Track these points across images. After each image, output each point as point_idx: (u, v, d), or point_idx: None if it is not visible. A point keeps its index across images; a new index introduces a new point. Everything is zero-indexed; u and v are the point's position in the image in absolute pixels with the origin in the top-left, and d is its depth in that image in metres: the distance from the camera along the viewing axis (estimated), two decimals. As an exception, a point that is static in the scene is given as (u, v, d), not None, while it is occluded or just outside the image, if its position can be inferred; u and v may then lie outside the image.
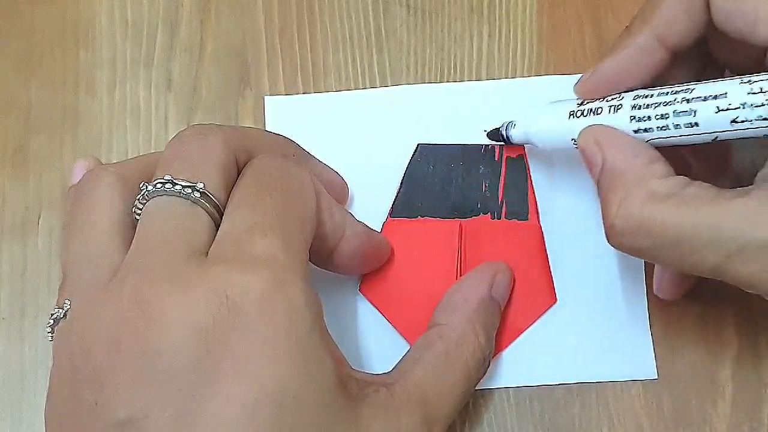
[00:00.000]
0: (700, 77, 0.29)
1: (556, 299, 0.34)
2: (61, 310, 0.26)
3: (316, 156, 0.33)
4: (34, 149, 0.37)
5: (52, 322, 0.26)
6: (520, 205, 0.35)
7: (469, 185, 0.35)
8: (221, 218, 0.26)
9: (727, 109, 0.26)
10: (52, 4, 0.38)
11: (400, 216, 0.35)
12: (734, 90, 0.26)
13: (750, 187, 0.26)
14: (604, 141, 0.29)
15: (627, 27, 0.30)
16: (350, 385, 0.26)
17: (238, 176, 0.28)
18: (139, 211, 0.27)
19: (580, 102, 0.31)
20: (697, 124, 0.27)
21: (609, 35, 0.37)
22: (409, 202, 0.35)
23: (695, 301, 0.33)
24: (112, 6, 0.38)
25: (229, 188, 0.27)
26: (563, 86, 0.36)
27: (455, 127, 0.36)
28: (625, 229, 0.27)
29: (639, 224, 0.26)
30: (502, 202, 0.35)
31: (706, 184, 0.27)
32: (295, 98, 0.37)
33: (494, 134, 0.35)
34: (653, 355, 0.33)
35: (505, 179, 0.35)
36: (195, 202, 0.26)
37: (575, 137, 0.30)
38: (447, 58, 0.37)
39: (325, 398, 0.24)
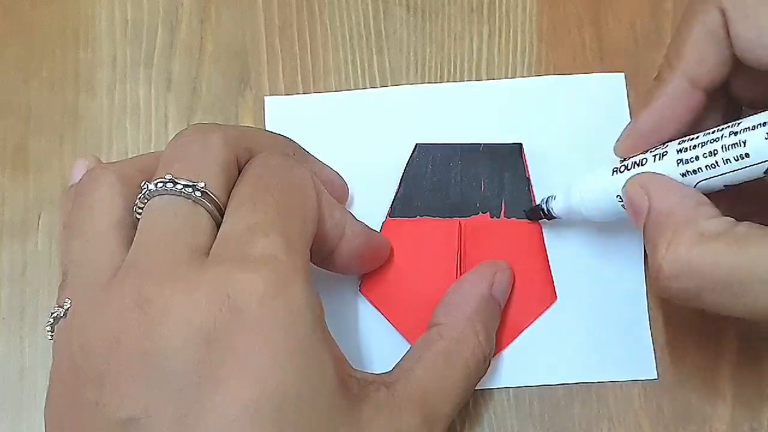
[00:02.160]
0: (726, 122, 0.28)
1: (556, 298, 0.34)
2: (61, 309, 0.26)
3: (315, 156, 0.33)
4: (34, 149, 0.37)
5: (52, 321, 0.26)
6: (520, 203, 0.34)
7: (468, 184, 0.35)
8: (222, 218, 0.26)
9: None
10: (52, 4, 0.38)
11: (400, 216, 0.35)
12: None
13: None
14: (650, 186, 0.28)
15: (656, 76, 0.30)
16: (351, 384, 0.26)
17: (239, 175, 0.28)
18: (140, 211, 0.27)
19: (621, 159, 0.30)
20: (748, 155, 0.26)
21: (609, 35, 0.37)
22: (408, 201, 0.35)
23: (695, 301, 0.33)
24: (112, 6, 0.38)
25: (230, 188, 0.27)
26: (563, 86, 0.36)
27: (455, 127, 0.36)
28: (674, 272, 0.26)
29: (689, 266, 0.26)
30: (501, 201, 0.35)
31: (756, 224, 0.26)
32: (294, 98, 0.37)
33: (535, 213, 0.34)
34: (653, 355, 0.33)
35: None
36: (196, 201, 0.26)
37: (620, 193, 0.29)
38: (447, 58, 0.37)
39: (326, 398, 0.24)
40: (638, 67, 0.36)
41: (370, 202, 0.35)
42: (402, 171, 0.35)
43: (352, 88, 0.37)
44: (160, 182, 0.26)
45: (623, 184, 0.29)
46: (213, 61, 0.37)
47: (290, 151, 0.31)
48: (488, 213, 0.34)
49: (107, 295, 0.25)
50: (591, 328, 0.33)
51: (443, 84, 0.37)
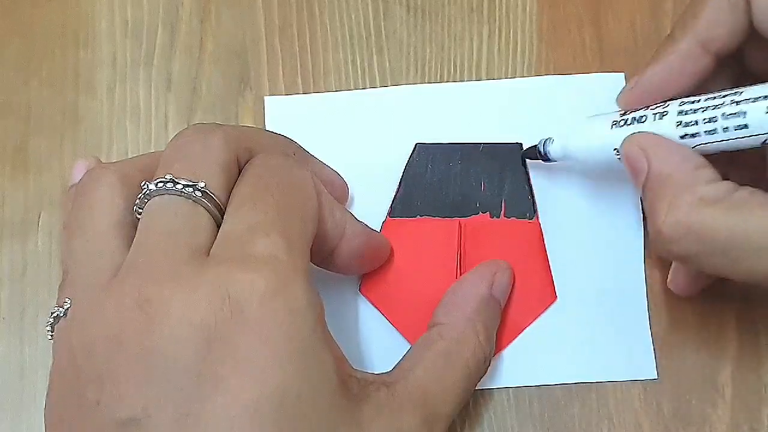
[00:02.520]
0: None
1: (556, 298, 0.34)
2: (61, 309, 0.26)
3: (315, 156, 0.33)
4: (34, 149, 0.37)
5: (52, 320, 0.26)
6: (520, 203, 0.34)
7: (468, 184, 0.35)
8: (222, 217, 0.26)
9: None
10: (52, 4, 0.38)
11: (400, 216, 0.35)
12: None
13: None
14: (649, 147, 0.28)
15: (669, 35, 0.30)
16: (351, 384, 0.26)
17: (239, 175, 0.28)
18: (140, 211, 0.27)
19: (622, 113, 0.30)
20: (746, 126, 0.26)
21: (609, 35, 0.37)
22: (408, 201, 0.35)
23: (695, 301, 0.33)
24: (112, 6, 0.38)
25: (230, 187, 0.27)
26: (563, 86, 0.36)
27: (455, 127, 0.36)
28: (674, 236, 0.26)
29: (688, 230, 0.26)
30: (501, 201, 0.35)
31: (756, 189, 0.26)
32: (294, 98, 0.37)
33: (531, 152, 0.34)
34: (653, 355, 0.33)
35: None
36: (196, 201, 0.26)
37: (618, 147, 0.29)
38: (447, 58, 0.37)
39: (326, 398, 0.24)
40: (638, 67, 0.36)
41: (370, 202, 0.35)
42: (402, 171, 0.35)
43: (352, 88, 0.37)
44: (161, 182, 0.26)
45: (620, 138, 0.29)
46: (213, 61, 0.37)
47: (290, 151, 0.31)
48: (488, 213, 0.34)
49: (107, 294, 0.25)
50: (591, 328, 0.33)
51: (443, 84, 0.37)
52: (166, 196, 0.26)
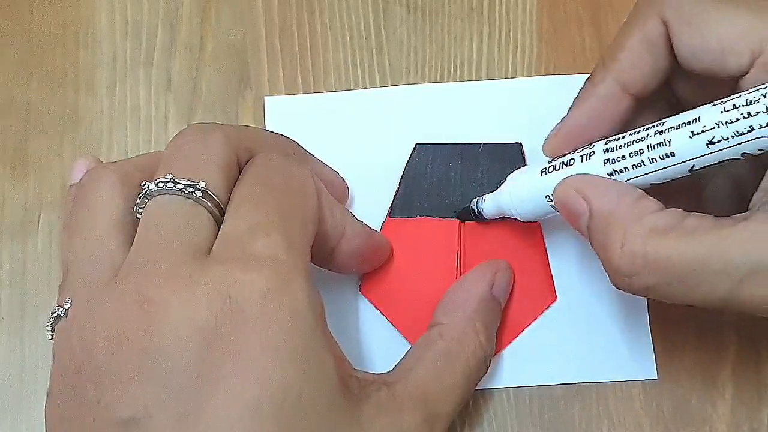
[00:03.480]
0: None
1: (556, 297, 0.34)
2: (61, 309, 0.26)
3: (315, 156, 0.33)
4: (34, 149, 0.37)
5: (52, 320, 0.26)
6: None
7: (468, 184, 0.35)
8: (223, 217, 0.26)
9: (702, 132, 0.26)
10: (52, 4, 0.38)
11: (400, 216, 0.35)
12: (707, 112, 0.26)
13: (748, 212, 0.26)
14: (585, 188, 0.28)
15: (589, 77, 0.30)
16: (352, 384, 0.26)
17: (240, 175, 0.28)
18: (140, 211, 0.27)
19: (550, 160, 0.30)
20: (673, 154, 0.26)
21: (609, 35, 0.37)
22: (408, 201, 0.35)
23: (695, 301, 0.33)
24: (112, 6, 0.38)
25: (231, 187, 0.27)
26: (563, 86, 0.36)
27: (455, 127, 0.36)
28: (632, 270, 0.26)
29: (644, 262, 0.26)
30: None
31: (702, 214, 0.26)
32: (295, 98, 0.37)
33: (464, 214, 0.34)
34: (653, 355, 0.33)
35: None
36: (197, 201, 0.26)
37: (550, 194, 0.29)
38: (447, 58, 0.37)
39: (327, 398, 0.25)
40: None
41: (370, 202, 0.35)
42: (402, 171, 0.35)
43: (352, 88, 0.37)
44: (161, 182, 0.26)
45: (552, 184, 0.29)
46: (213, 61, 0.37)
47: (291, 150, 0.31)
48: None
49: (108, 294, 0.25)
50: (591, 328, 0.33)
51: (443, 84, 0.37)
52: (166, 196, 0.26)
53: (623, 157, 0.28)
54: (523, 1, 0.38)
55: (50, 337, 0.27)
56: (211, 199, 0.26)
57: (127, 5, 0.38)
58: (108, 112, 0.37)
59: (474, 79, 0.37)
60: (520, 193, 0.31)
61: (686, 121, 0.26)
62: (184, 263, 0.24)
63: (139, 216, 0.27)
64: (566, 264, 0.34)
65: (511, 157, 0.35)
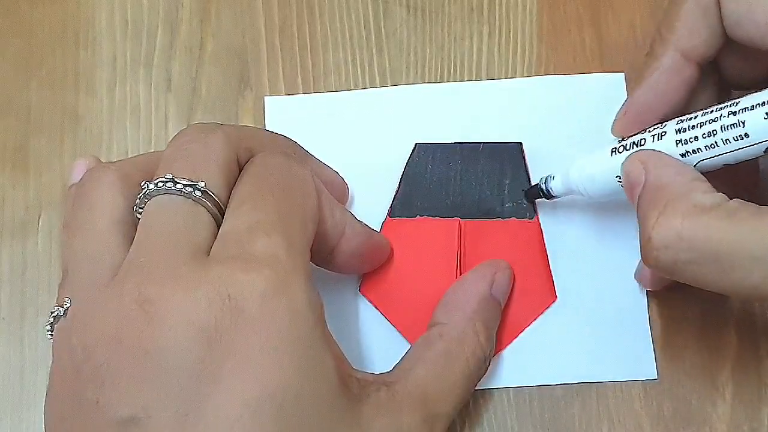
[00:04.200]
0: (717, 102, 0.28)
1: (556, 297, 0.34)
2: (61, 309, 0.26)
3: (315, 156, 0.33)
4: (34, 149, 0.37)
5: (51, 320, 0.26)
6: (520, 203, 0.34)
7: (468, 184, 0.35)
8: (223, 217, 0.26)
9: None
10: (52, 4, 0.38)
11: (399, 215, 0.35)
12: None
13: None
14: (648, 161, 0.28)
15: (648, 52, 0.30)
16: (351, 384, 0.26)
17: (239, 175, 0.28)
18: (140, 210, 0.27)
19: (620, 139, 0.30)
20: (747, 135, 0.26)
21: (609, 35, 0.37)
22: (408, 201, 0.35)
23: (695, 301, 0.33)
24: (112, 6, 0.38)
25: (231, 187, 0.27)
26: (563, 86, 0.36)
27: (455, 126, 0.36)
28: (664, 242, 0.26)
29: (679, 237, 0.25)
30: (501, 200, 0.35)
31: (747, 201, 0.26)
32: (295, 98, 0.37)
33: (533, 192, 0.34)
34: (653, 355, 0.33)
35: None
36: (196, 201, 0.26)
37: (620, 174, 0.29)
38: (447, 58, 0.37)
39: (326, 398, 0.25)
40: (638, 67, 0.36)
41: (370, 202, 0.35)
42: (402, 171, 0.35)
43: (352, 88, 0.37)
44: (161, 182, 0.26)
45: (622, 163, 0.29)
46: (213, 61, 0.37)
47: (290, 150, 0.31)
48: (488, 212, 0.34)
49: (108, 294, 0.25)
50: (591, 328, 0.33)
51: (443, 84, 0.37)
52: (166, 195, 0.26)
53: (696, 138, 0.27)
54: (523, 1, 0.38)
55: (50, 336, 0.27)
56: (211, 199, 0.26)
57: (127, 5, 0.38)
58: (108, 112, 0.37)
59: (474, 79, 0.37)
60: (590, 172, 0.31)
61: (761, 102, 0.26)
62: (184, 263, 0.24)
63: (138, 216, 0.27)
64: (566, 264, 0.34)
65: (511, 156, 0.35)
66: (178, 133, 0.28)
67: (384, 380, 0.28)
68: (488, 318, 0.31)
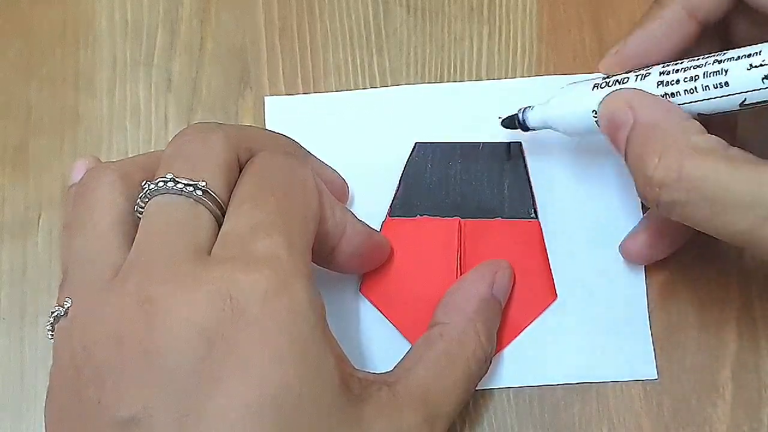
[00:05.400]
0: None
1: (556, 297, 0.34)
2: (61, 309, 0.26)
3: (315, 156, 0.33)
4: (34, 149, 0.37)
5: (52, 320, 0.26)
6: (520, 202, 0.34)
7: (468, 183, 0.35)
8: (223, 216, 0.26)
9: (761, 65, 0.26)
10: (52, 4, 0.38)
11: (399, 215, 0.35)
12: None
13: None
14: (633, 100, 0.28)
15: (655, 1, 0.30)
16: (352, 384, 0.26)
17: (240, 174, 0.28)
18: (141, 210, 0.27)
19: (604, 75, 0.30)
20: (727, 84, 0.26)
21: (609, 35, 0.37)
22: (407, 201, 0.35)
23: (695, 301, 0.33)
24: (112, 6, 0.38)
25: (231, 186, 0.27)
26: (553, 87, 0.36)
27: (454, 126, 0.36)
28: (665, 181, 0.26)
29: (678, 176, 0.26)
30: (501, 200, 0.35)
31: (744, 150, 0.26)
32: (295, 98, 0.37)
33: (510, 121, 0.34)
34: (653, 355, 0.33)
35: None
36: (197, 200, 0.26)
37: (596, 108, 0.29)
38: (447, 58, 0.37)
39: (328, 398, 0.24)
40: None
41: (370, 202, 0.35)
42: (401, 170, 0.35)
43: (352, 88, 0.37)
44: (161, 181, 0.26)
45: (601, 99, 0.29)
46: (213, 61, 0.37)
47: (291, 150, 0.31)
48: (488, 212, 0.34)
49: (109, 294, 0.25)
50: (591, 327, 0.33)
51: (443, 84, 0.37)
52: (166, 195, 0.26)
53: (677, 81, 0.28)
54: (523, 2, 0.38)
55: (50, 336, 0.26)
56: (212, 199, 0.26)
57: (127, 5, 0.38)
58: (108, 112, 0.37)
59: (474, 79, 0.37)
60: (568, 105, 0.31)
61: (747, 54, 0.26)
62: (185, 263, 0.24)
63: (139, 216, 0.27)
64: (566, 264, 0.34)
65: (511, 156, 0.35)
66: (178, 133, 0.28)
67: (385, 380, 0.28)
68: (489, 318, 0.31)
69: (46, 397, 0.26)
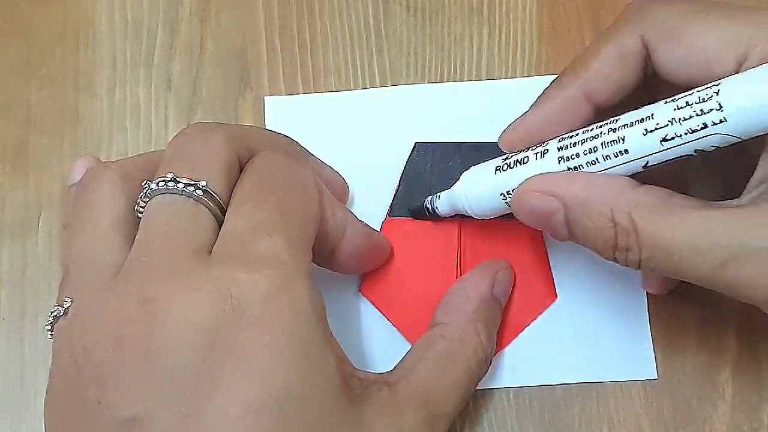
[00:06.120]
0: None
1: (556, 296, 0.34)
2: (61, 308, 0.26)
3: (315, 156, 0.33)
4: (34, 149, 0.37)
5: (51, 320, 0.26)
6: None
7: None
8: (224, 216, 0.26)
9: (656, 129, 0.26)
10: (52, 4, 0.38)
11: (399, 215, 0.35)
12: (660, 109, 0.26)
13: (737, 199, 0.26)
14: (548, 185, 0.28)
15: (556, 79, 0.30)
16: (353, 384, 0.26)
17: (240, 174, 0.28)
18: (141, 210, 0.27)
19: (504, 158, 0.30)
20: (626, 151, 0.26)
21: (609, 35, 0.37)
22: (407, 201, 0.35)
23: (695, 301, 0.33)
24: (112, 6, 0.38)
25: (232, 186, 0.27)
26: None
27: (455, 126, 0.36)
28: (627, 245, 0.26)
29: (637, 237, 0.26)
30: None
31: (689, 196, 0.26)
32: (295, 98, 0.37)
33: (419, 210, 0.34)
34: (653, 355, 0.33)
35: None
36: (197, 200, 0.26)
37: (504, 191, 0.30)
38: (447, 58, 0.37)
39: (328, 398, 0.24)
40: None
41: (370, 202, 0.35)
42: (401, 170, 0.35)
43: (352, 88, 0.37)
44: (162, 181, 0.26)
45: (507, 181, 0.29)
46: (213, 61, 0.37)
47: (291, 150, 0.31)
48: None
49: (109, 294, 0.25)
50: (591, 328, 0.33)
51: (443, 84, 0.37)
52: (167, 195, 0.26)
53: (577, 155, 0.28)
54: (523, 1, 0.38)
55: (50, 336, 0.26)
56: (213, 198, 0.26)
57: (127, 5, 0.38)
58: (108, 112, 0.37)
59: (474, 79, 0.37)
60: (475, 191, 0.31)
61: (640, 119, 0.26)
62: (185, 262, 0.24)
63: (140, 215, 0.27)
64: (566, 264, 0.34)
65: None
66: (178, 133, 0.28)
67: (386, 380, 0.28)
68: (489, 318, 0.31)
69: (46, 396, 0.26)
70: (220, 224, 0.26)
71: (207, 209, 0.26)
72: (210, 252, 0.25)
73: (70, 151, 0.37)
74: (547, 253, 0.34)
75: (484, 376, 0.31)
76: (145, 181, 0.27)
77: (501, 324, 0.33)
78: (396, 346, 0.32)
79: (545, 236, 0.34)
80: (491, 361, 0.31)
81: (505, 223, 0.34)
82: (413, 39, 0.38)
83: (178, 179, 0.26)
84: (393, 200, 0.35)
